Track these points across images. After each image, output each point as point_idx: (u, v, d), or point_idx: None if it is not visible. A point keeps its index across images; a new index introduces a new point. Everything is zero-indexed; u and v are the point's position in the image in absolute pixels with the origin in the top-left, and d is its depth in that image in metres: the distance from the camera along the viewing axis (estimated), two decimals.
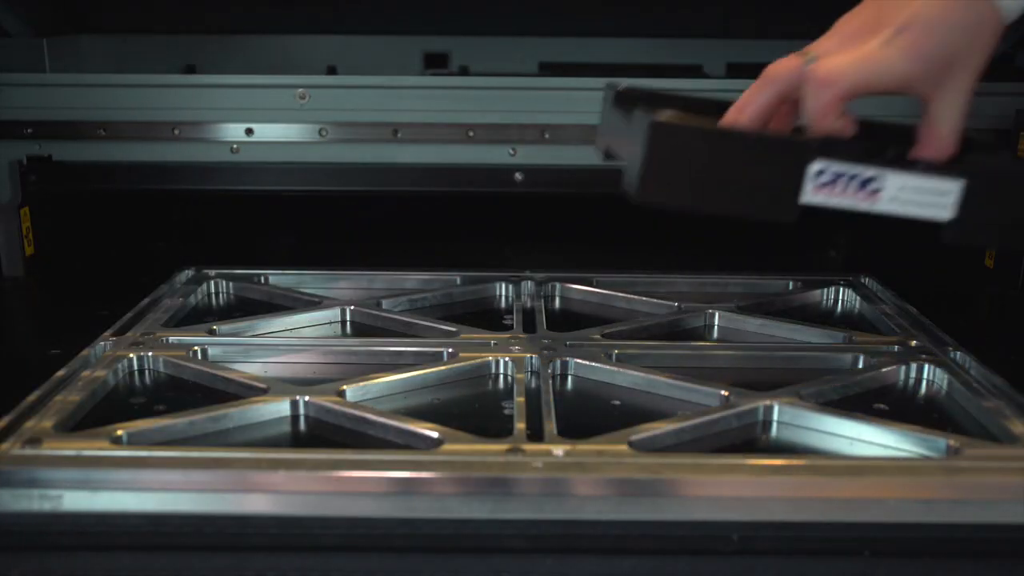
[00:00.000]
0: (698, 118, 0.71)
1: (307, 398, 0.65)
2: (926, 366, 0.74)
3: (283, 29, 1.26)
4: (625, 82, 0.79)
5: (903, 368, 0.74)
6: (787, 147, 0.64)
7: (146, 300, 0.87)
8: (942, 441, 0.60)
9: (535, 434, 0.60)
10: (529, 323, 0.82)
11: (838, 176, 0.63)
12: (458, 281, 0.95)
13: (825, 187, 0.63)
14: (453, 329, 0.80)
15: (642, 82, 1.01)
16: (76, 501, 0.54)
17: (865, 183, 0.63)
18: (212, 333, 0.79)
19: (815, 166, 0.62)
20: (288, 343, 0.77)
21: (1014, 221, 0.64)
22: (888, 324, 0.83)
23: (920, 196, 0.64)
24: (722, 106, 0.71)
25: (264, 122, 1.02)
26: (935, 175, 0.63)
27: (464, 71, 1.28)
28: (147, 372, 0.74)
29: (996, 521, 0.54)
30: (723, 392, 0.67)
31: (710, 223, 0.96)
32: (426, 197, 1.06)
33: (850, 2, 0.76)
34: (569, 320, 0.88)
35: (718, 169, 0.63)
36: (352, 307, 0.85)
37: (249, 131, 1.02)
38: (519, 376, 0.71)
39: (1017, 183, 0.64)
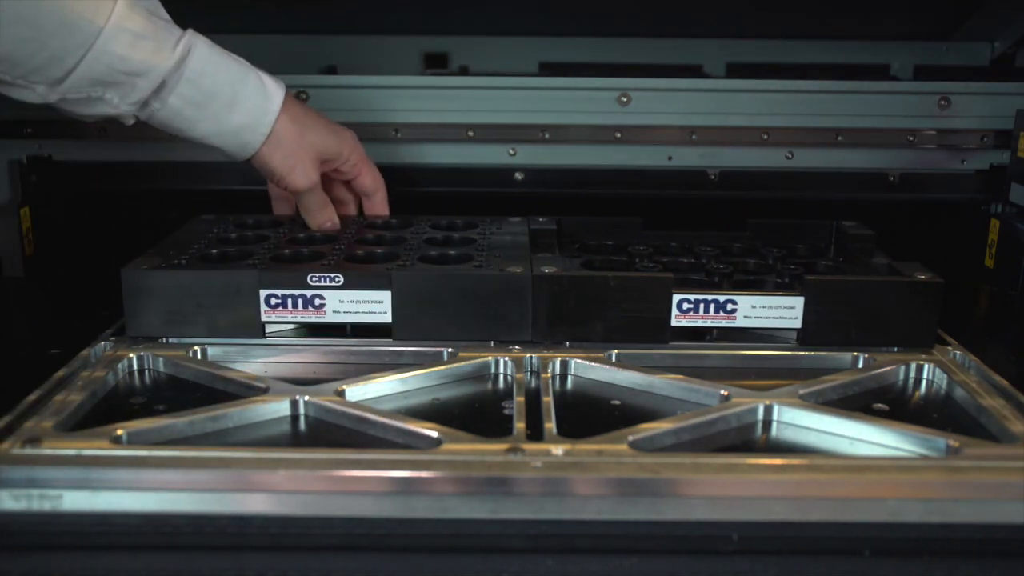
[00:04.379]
0: (581, 262, 0.84)
1: (307, 398, 0.65)
2: (926, 366, 0.74)
3: (283, 29, 1.26)
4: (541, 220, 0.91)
5: (903, 368, 0.74)
6: (650, 284, 0.75)
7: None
8: (942, 441, 0.60)
9: (535, 434, 0.60)
10: None
11: (699, 302, 0.75)
12: None
13: (690, 312, 0.75)
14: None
15: (643, 79, 1.01)
16: (76, 501, 0.54)
17: (722, 305, 0.75)
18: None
19: (677, 297, 0.75)
20: (288, 343, 0.77)
21: (853, 323, 0.75)
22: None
23: (771, 312, 0.76)
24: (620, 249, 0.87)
25: None
26: (779, 293, 0.76)
27: (464, 71, 1.28)
28: (147, 372, 0.74)
29: (996, 521, 0.55)
30: (723, 392, 0.67)
31: (708, 224, 0.96)
32: (426, 197, 1.05)
33: (848, 2, 0.77)
34: None
35: (597, 307, 0.75)
36: None
37: None
38: (519, 376, 0.71)
39: (844, 295, 0.75)
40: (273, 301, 0.75)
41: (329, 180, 0.91)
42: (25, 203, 1.04)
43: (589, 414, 0.67)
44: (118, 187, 1.05)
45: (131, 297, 0.75)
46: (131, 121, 0.80)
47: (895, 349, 0.76)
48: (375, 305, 0.75)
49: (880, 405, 0.69)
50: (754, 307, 0.76)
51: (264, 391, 0.67)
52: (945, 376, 0.72)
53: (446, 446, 0.58)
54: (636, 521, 0.54)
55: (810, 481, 0.55)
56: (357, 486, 0.55)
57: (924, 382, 0.73)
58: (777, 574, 0.53)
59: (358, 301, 0.75)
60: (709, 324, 0.76)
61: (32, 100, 0.74)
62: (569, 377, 0.73)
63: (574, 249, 0.90)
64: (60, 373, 0.69)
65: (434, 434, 0.60)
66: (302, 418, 0.65)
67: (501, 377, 0.73)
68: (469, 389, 0.71)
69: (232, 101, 0.79)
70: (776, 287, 0.81)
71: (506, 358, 0.73)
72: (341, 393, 0.66)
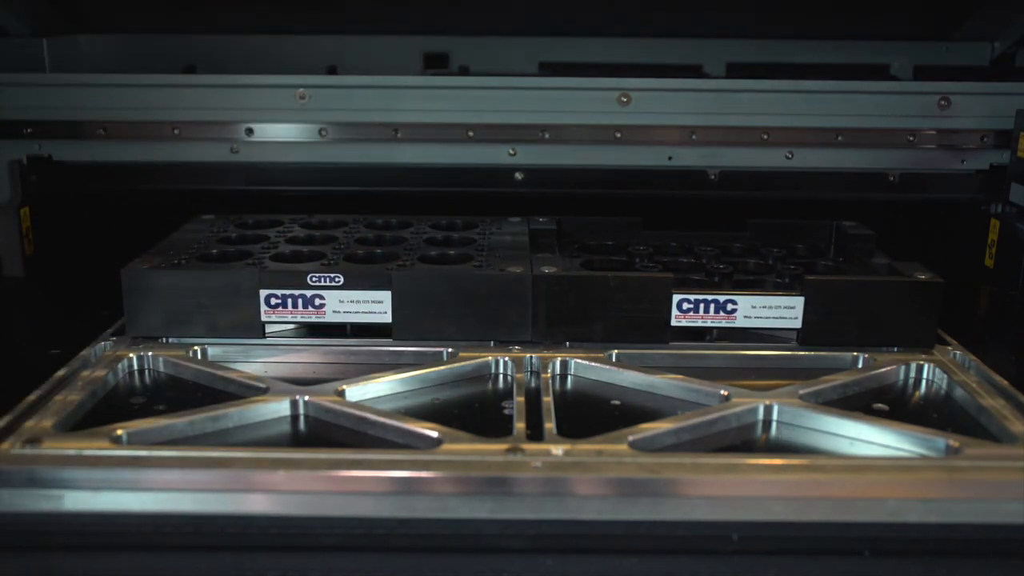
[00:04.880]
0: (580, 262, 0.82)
1: (307, 398, 0.65)
2: (926, 366, 0.74)
3: (283, 29, 1.26)
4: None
5: (903, 368, 0.74)
6: (650, 284, 0.75)
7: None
8: (942, 441, 0.60)
9: (535, 434, 0.60)
10: None
11: (699, 302, 0.76)
12: None
13: (689, 312, 0.75)
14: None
15: (643, 79, 1.02)
16: (76, 501, 0.54)
17: (722, 305, 0.76)
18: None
19: (677, 297, 0.75)
20: (288, 343, 0.77)
21: (853, 323, 0.75)
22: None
23: (771, 312, 0.76)
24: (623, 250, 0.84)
25: (264, 122, 1.02)
26: (779, 293, 0.76)
27: (464, 71, 1.28)
28: (147, 372, 0.74)
29: (996, 521, 0.54)
30: (723, 392, 0.67)
31: (708, 224, 0.96)
32: (426, 197, 1.05)
33: (848, 2, 0.76)
34: None
35: (597, 307, 0.75)
36: None
37: (249, 131, 1.02)
38: (519, 376, 0.71)
39: (845, 295, 0.74)
40: (273, 301, 0.75)
41: None
42: (25, 203, 1.04)
43: (589, 414, 0.67)
44: (118, 187, 1.05)
45: (131, 297, 0.75)
46: None
47: (895, 349, 0.76)
48: (375, 305, 0.75)
49: (880, 405, 0.69)
50: (754, 307, 0.76)
51: (264, 391, 0.67)
52: (945, 376, 0.72)
53: (446, 446, 0.58)
54: (636, 521, 0.54)
55: (810, 481, 0.55)
56: (357, 486, 0.55)
57: (924, 382, 0.73)
58: (777, 574, 0.53)
59: (358, 301, 0.75)
60: (709, 324, 0.76)
61: None
62: (569, 377, 0.73)
63: (574, 249, 0.90)
64: (60, 373, 0.69)
65: (434, 434, 0.60)
66: (302, 418, 0.65)
67: (501, 377, 0.73)
68: (469, 389, 0.71)
69: None
70: (776, 287, 0.81)
71: (506, 358, 0.73)
72: (341, 393, 0.66)
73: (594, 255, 0.87)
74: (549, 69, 1.28)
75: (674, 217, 0.99)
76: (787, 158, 1.04)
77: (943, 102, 1.03)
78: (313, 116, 1.02)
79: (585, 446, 0.58)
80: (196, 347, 0.75)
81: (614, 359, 0.74)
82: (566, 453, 0.57)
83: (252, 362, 0.75)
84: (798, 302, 0.75)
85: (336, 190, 1.04)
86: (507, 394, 0.70)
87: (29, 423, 0.61)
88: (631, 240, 0.91)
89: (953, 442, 0.59)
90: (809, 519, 0.54)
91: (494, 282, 0.75)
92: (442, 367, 0.72)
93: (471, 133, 1.03)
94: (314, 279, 0.75)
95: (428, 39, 1.28)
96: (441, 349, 0.75)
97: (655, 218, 0.94)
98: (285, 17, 1.26)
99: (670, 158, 1.04)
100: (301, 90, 1.01)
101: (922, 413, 0.68)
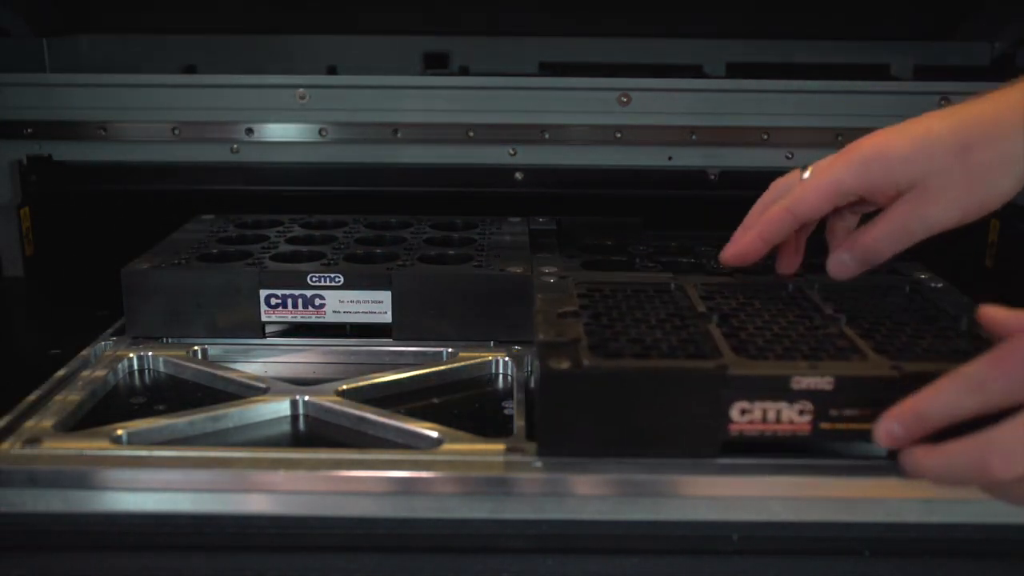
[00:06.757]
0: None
1: (307, 398, 0.65)
2: None
3: (283, 29, 1.26)
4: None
5: None
6: (702, 381, 0.53)
7: None
8: None
9: (535, 434, 0.60)
10: None
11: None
12: None
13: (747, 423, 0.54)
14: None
15: (643, 79, 1.02)
16: (76, 501, 0.54)
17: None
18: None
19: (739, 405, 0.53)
20: (288, 343, 0.77)
21: None
22: None
23: None
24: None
25: (264, 122, 1.02)
26: None
27: (464, 71, 1.28)
28: (147, 372, 0.74)
29: (996, 521, 0.54)
30: None
31: (708, 224, 0.96)
32: (426, 197, 1.05)
33: (848, 2, 0.76)
34: None
35: (632, 411, 0.54)
36: None
37: (249, 131, 1.02)
38: (519, 376, 0.71)
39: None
40: (273, 301, 0.75)
41: None
42: (25, 203, 1.04)
43: None
44: (118, 187, 1.05)
45: (131, 297, 0.75)
46: None
47: None
48: (375, 305, 0.75)
49: None
50: None
51: (264, 391, 0.67)
52: None
53: (446, 446, 0.58)
54: (636, 521, 0.54)
55: (810, 481, 0.55)
56: (357, 486, 0.55)
57: None
58: (777, 574, 0.53)
59: (358, 301, 0.75)
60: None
61: None
62: None
63: (574, 249, 0.90)
64: (60, 373, 0.69)
65: (434, 434, 0.60)
66: (302, 418, 0.65)
67: (501, 377, 0.73)
68: (469, 389, 0.71)
69: None
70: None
71: (506, 358, 0.73)
72: (341, 393, 0.66)
73: (594, 255, 0.87)
74: (549, 69, 1.28)
75: (674, 217, 0.99)
76: (787, 158, 1.04)
77: (943, 102, 1.02)
78: (313, 116, 1.02)
79: None
80: (196, 347, 0.75)
81: None
82: None
83: (252, 362, 0.75)
84: None
85: (336, 190, 1.04)
86: (507, 394, 0.70)
87: (29, 423, 0.61)
88: (631, 240, 0.91)
89: None
90: (809, 519, 0.54)
91: (494, 282, 0.75)
92: (442, 367, 0.72)
93: (471, 133, 1.03)
94: (314, 279, 0.75)
95: (428, 39, 1.28)
96: (441, 349, 0.75)
97: (655, 218, 0.94)
98: (285, 17, 1.26)
99: (670, 158, 1.04)
100: (301, 90, 1.01)
101: None
